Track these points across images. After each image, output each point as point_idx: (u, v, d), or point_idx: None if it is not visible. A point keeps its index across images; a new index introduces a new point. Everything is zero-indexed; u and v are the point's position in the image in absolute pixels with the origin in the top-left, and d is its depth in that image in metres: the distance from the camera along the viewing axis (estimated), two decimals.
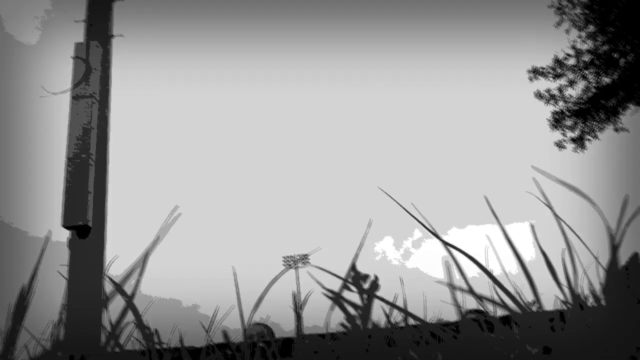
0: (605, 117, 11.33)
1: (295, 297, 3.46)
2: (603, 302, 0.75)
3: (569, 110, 11.54)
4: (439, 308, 3.80)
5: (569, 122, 11.63)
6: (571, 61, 11.31)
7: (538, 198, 2.75)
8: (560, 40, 12.41)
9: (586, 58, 11.15)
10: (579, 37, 11.17)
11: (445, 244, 0.92)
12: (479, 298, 0.77)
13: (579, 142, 11.66)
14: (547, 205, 3.00)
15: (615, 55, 10.84)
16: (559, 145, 11.78)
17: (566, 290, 0.82)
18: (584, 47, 11.15)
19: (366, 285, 3.59)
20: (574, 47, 11.26)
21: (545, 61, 11.50)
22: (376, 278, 3.81)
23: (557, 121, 11.66)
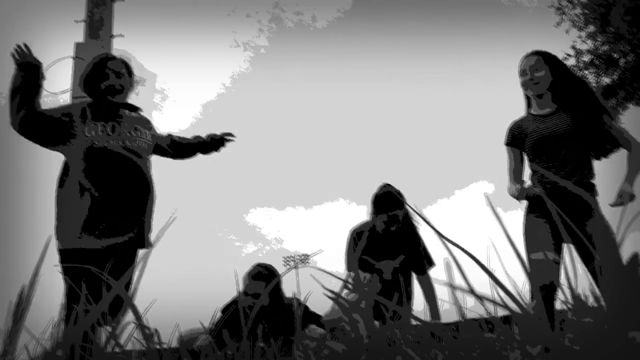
0: None
1: (296, 297, 3.46)
2: (603, 303, 0.75)
3: None
4: (440, 307, 3.79)
5: None
6: (571, 61, 11.29)
7: (541, 195, 2.72)
8: (560, 40, 12.38)
9: (586, 58, 11.14)
10: (579, 37, 11.16)
11: (445, 239, 0.93)
12: (480, 298, 0.77)
13: None
14: (549, 204, 2.97)
15: (615, 55, 10.83)
16: None
17: (566, 290, 0.82)
18: (584, 47, 11.14)
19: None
20: (574, 47, 11.24)
21: None
22: (375, 278, 3.79)
23: None
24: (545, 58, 2.91)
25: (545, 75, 2.86)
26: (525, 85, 2.89)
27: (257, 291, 3.16)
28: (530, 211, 2.67)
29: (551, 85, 2.85)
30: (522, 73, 2.90)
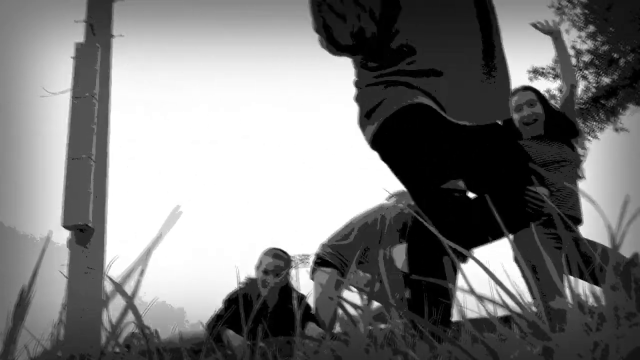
0: (605, 117, 11.32)
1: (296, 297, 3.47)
2: (603, 302, 0.75)
3: None
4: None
5: None
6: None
7: (544, 195, 2.73)
8: None
9: (586, 58, 11.14)
10: (579, 37, 11.16)
11: (448, 243, 0.93)
12: (480, 298, 0.77)
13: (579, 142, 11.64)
14: (550, 204, 2.98)
15: (615, 55, 10.83)
16: None
17: (566, 290, 0.82)
18: (584, 47, 11.14)
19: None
20: (573, 47, 11.24)
21: (545, 61, 11.48)
22: (376, 278, 3.81)
23: None
24: (537, 94, 2.91)
25: (541, 112, 2.84)
26: (522, 122, 2.83)
27: (278, 269, 3.19)
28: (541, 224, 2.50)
29: (545, 123, 2.86)
30: (518, 109, 2.84)
